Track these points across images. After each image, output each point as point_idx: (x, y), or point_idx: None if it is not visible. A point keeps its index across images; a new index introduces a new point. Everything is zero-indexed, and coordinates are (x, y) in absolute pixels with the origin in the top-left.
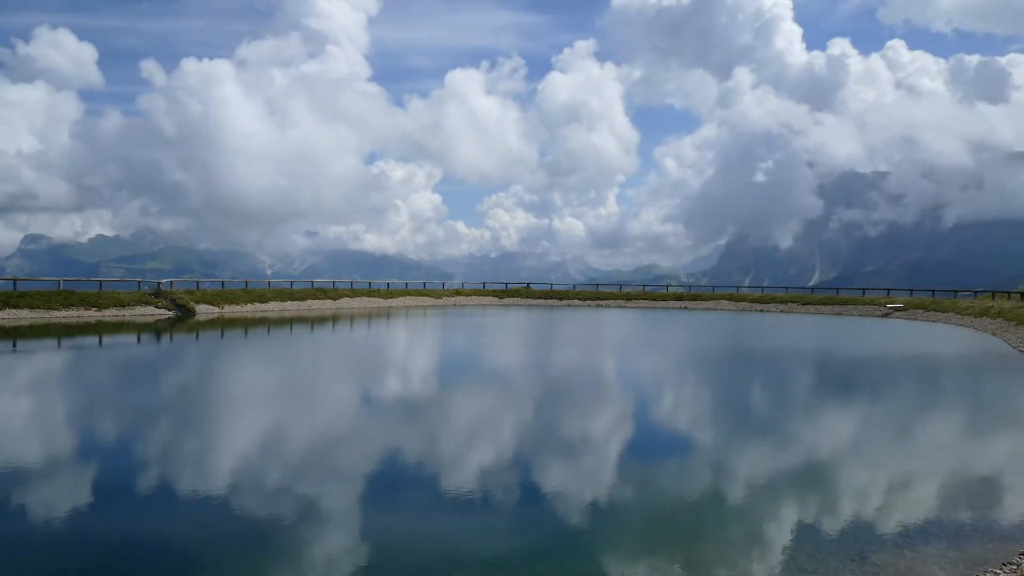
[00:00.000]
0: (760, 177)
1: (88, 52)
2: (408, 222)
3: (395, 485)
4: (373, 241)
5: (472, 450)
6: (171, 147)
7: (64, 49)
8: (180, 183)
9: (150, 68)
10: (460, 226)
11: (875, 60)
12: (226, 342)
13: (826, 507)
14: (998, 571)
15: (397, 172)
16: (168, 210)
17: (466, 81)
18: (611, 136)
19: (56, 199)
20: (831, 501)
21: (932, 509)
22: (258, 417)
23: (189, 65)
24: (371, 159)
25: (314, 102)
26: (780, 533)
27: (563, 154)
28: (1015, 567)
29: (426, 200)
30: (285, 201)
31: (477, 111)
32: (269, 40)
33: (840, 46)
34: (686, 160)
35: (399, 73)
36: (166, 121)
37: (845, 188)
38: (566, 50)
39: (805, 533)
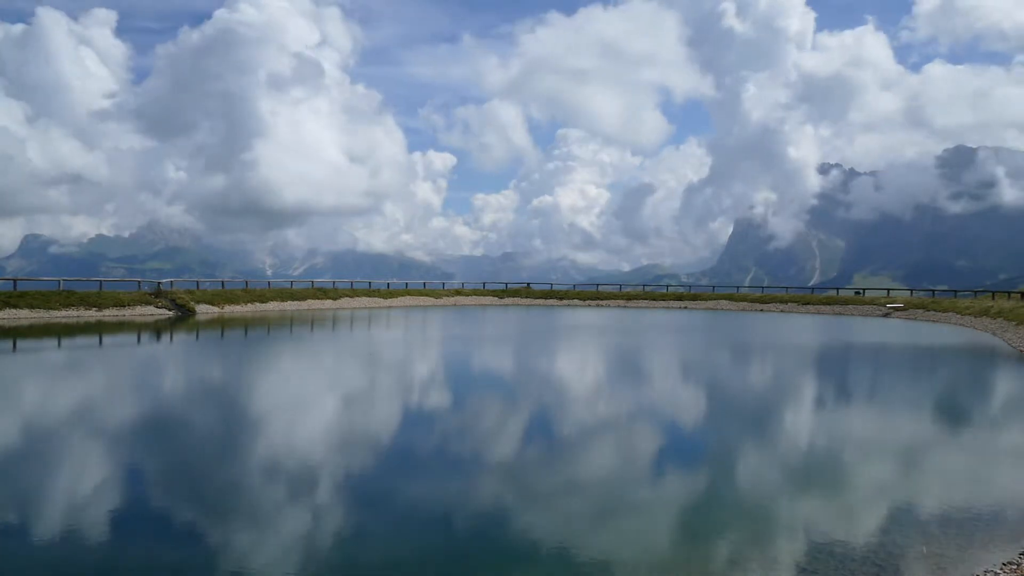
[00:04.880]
0: (761, 177)
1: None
2: (409, 219)
3: (403, 482)
4: (374, 239)
5: (491, 446)
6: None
7: None
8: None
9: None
10: (460, 224)
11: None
12: (226, 341)
13: (827, 507)
14: (998, 571)
15: (401, 167)
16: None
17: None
18: (613, 135)
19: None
20: (832, 501)
21: (932, 509)
22: (256, 416)
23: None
24: (375, 156)
25: (315, 99)
26: (780, 533)
27: (565, 153)
28: (1015, 567)
29: (429, 195)
30: (286, 199)
31: (478, 108)
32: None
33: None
34: (687, 159)
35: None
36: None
37: (846, 188)
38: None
39: (805, 533)
